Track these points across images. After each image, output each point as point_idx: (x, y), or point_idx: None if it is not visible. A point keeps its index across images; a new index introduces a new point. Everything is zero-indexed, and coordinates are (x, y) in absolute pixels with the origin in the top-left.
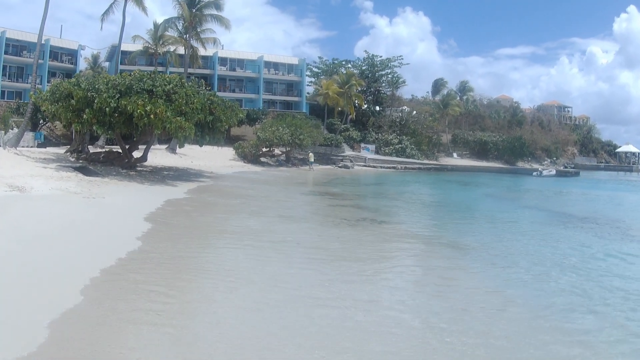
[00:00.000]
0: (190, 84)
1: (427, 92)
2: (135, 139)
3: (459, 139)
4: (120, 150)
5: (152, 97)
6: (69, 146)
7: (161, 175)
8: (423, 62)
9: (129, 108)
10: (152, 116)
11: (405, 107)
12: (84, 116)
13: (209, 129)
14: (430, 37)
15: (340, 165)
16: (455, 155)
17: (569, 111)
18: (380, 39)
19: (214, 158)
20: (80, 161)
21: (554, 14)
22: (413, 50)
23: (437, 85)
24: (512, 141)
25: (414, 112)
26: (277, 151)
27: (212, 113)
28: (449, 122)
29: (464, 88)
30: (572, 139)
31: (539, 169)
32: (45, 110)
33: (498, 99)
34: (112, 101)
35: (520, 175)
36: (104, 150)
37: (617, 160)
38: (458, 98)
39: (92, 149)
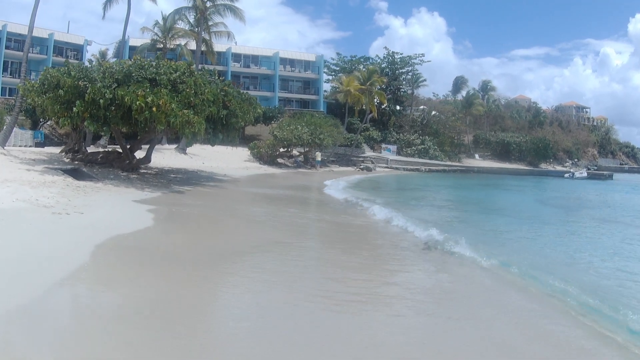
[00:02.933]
0: (200, 72)
1: (449, 91)
2: (139, 137)
3: (480, 140)
4: (121, 150)
5: (154, 87)
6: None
7: (167, 178)
8: (438, 62)
9: (126, 99)
10: (154, 109)
11: (423, 106)
12: (74, 109)
13: (223, 126)
14: (445, 37)
15: (361, 166)
16: (477, 156)
17: (587, 112)
18: (395, 39)
19: (227, 159)
20: (76, 162)
21: (568, 15)
22: (428, 51)
23: (458, 84)
24: (536, 142)
25: (433, 112)
26: (294, 152)
27: (227, 107)
28: (469, 122)
29: (486, 87)
30: (591, 140)
31: (571, 170)
32: (30, 103)
33: (516, 99)
34: (108, 91)
35: (551, 178)
36: (104, 150)
37: (636, 162)
38: (480, 97)
39: (94, 149)
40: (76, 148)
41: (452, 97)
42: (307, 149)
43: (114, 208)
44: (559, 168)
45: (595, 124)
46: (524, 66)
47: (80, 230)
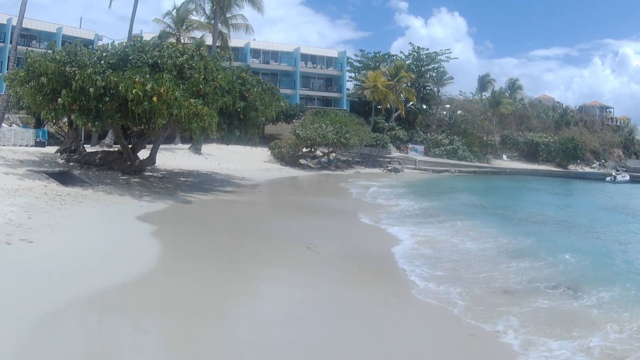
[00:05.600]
0: (211, 56)
1: (473, 91)
2: (145, 134)
3: (508, 140)
4: (122, 150)
5: (155, 73)
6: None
7: (174, 183)
8: (459, 62)
9: (120, 87)
10: (154, 98)
11: (448, 104)
12: (59, 100)
13: (240, 121)
14: (466, 38)
15: (389, 168)
16: (505, 157)
17: (610, 112)
18: (415, 39)
19: (245, 160)
20: (71, 163)
21: (587, 15)
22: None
23: (484, 82)
24: (565, 143)
25: (459, 111)
26: (318, 152)
27: (244, 98)
28: (495, 122)
29: (513, 85)
30: (616, 140)
31: (612, 173)
32: (12, 95)
33: (539, 99)
34: (99, 78)
35: (591, 181)
36: (103, 150)
37: None
38: (508, 96)
39: (98, 149)
40: (73, 147)
41: (478, 95)
42: (332, 149)
43: (90, 230)
44: (587, 169)
45: (618, 124)
46: (544, 66)
47: (15, 279)
